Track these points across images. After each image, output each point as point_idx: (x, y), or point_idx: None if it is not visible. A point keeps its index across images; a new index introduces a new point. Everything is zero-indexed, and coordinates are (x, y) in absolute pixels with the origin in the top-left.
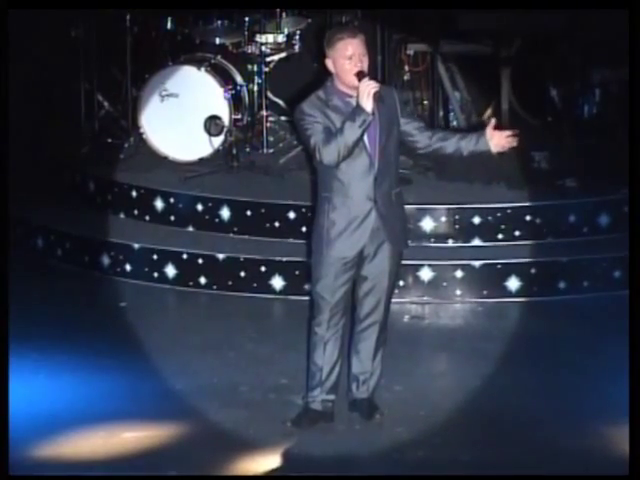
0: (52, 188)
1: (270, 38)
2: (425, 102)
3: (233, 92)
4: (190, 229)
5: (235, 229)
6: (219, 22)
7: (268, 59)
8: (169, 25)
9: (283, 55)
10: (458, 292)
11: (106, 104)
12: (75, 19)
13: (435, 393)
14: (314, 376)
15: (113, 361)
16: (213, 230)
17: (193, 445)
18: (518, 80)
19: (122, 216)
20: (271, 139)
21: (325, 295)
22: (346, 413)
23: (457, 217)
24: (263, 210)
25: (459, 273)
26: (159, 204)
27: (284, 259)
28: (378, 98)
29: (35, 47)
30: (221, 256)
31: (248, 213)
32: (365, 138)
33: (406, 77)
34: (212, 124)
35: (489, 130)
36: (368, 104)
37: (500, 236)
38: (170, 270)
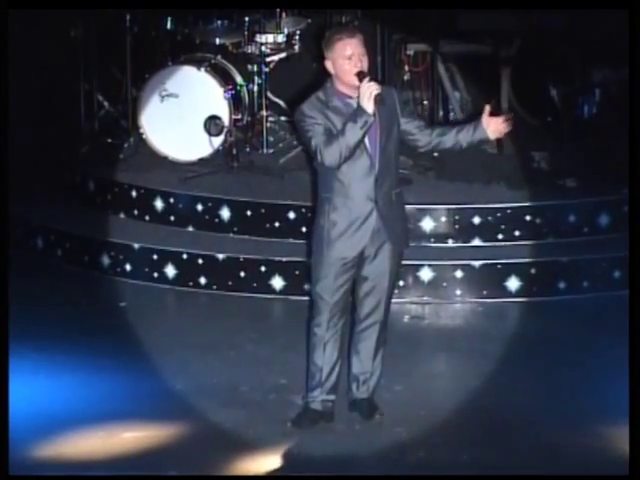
0: (52, 188)
1: (270, 38)
2: (425, 102)
3: (233, 92)
4: (190, 229)
5: (235, 229)
6: (219, 22)
7: (268, 59)
8: (169, 25)
9: (283, 55)
10: (458, 292)
11: (106, 104)
12: (75, 19)
13: (435, 393)
14: (314, 376)
15: (113, 361)
16: (213, 230)
17: (193, 445)
18: (518, 80)
19: (122, 216)
20: (271, 139)
21: (324, 295)
22: (346, 413)
23: (457, 217)
24: (263, 210)
25: (459, 273)
26: (159, 204)
27: (284, 259)
28: (379, 101)
29: (35, 47)
30: (221, 256)
31: (248, 213)
32: (366, 139)
33: (406, 77)
34: (212, 124)
35: (485, 117)
36: (369, 105)
37: (500, 236)
38: (170, 270)
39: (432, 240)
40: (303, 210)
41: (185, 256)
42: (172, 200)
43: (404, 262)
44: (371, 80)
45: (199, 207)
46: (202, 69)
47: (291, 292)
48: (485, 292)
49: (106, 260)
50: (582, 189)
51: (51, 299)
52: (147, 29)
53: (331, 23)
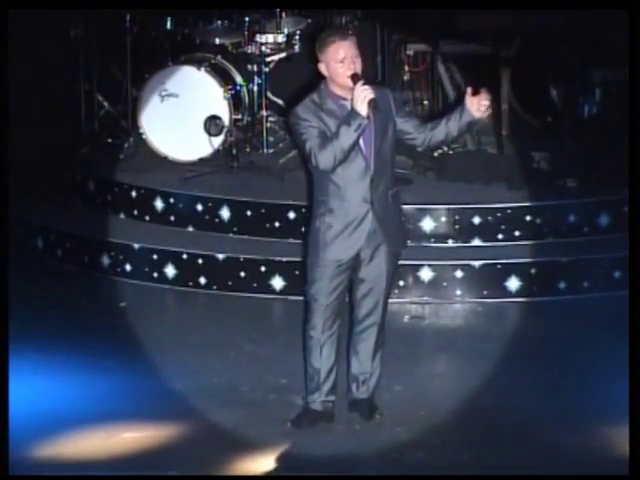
0: (52, 188)
1: (270, 38)
2: (425, 102)
3: (233, 92)
4: (190, 229)
5: (235, 229)
6: (219, 22)
7: (268, 59)
8: (169, 25)
9: (283, 55)
10: (458, 292)
11: (106, 104)
12: (75, 19)
13: (435, 393)
14: (312, 379)
15: (113, 361)
16: (213, 230)
17: (193, 445)
18: (518, 80)
19: (122, 216)
20: (271, 139)
21: (319, 298)
22: (346, 413)
23: (457, 217)
24: (263, 210)
25: (459, 273)
26: (159, 204)
27: (284, 259)
28: (373, 106)
29: (35, 47)
30: (221, 256)
31: (248, 213)
32: (360, 141)
33: (406, 77)
34: (212, 124)
35: (468, 99)
36: (363, 108)
37: (500, 236)
38: (170, 270)
39: (432, 240)
40: (303, 210)
41: (185, 256)
42: (172, 200)
43: (404, 262)
44: (365, 83)
45: (199, 207)
46: (202, 69)
47: (291, 292)
48: (485, 292)
49: (106, 260)
50: (582, 189)
51: (51, 299)
52: (147, 29)
53: (331, 23)
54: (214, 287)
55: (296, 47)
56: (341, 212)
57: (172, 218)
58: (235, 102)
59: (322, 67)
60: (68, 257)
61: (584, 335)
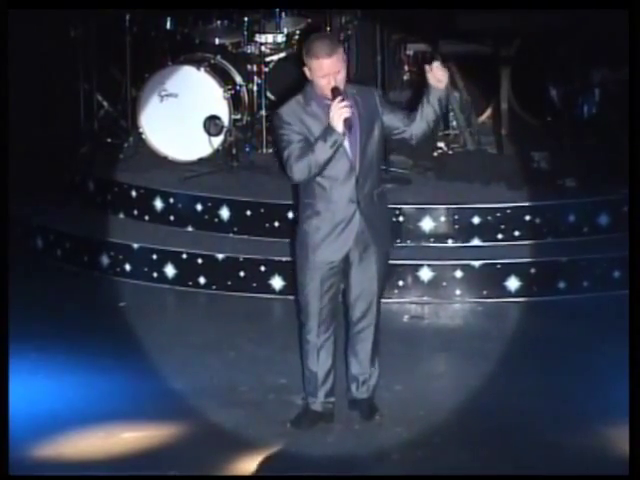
0: (52, 188)
1: (270, 38)
2: None
3: (233, 92)
4: (190, 229)
5: (235, 229)
6: (219, 22)
7: (268, 59)
8: (169, 25)
9: (282, 55)
10: (458, 292)
11: (105, 104)
12: (74, 19)
13: (435, 393)
14: (310, 382)
15: (113, 361)
16: (213, 230)
17: (192, 445)
18: (518, 80)
19: (122, 216)
20: (271, 139)
21: (312, 301)
22: (345, 413)
23: (457, 217)
24: (263, 210)
25: (459, 273)
26: (159, 204)
27: (284, 259)
28: (348, 126)
29: (35, 47)
30: (220, 256)
31: (248, 213)
32: (346, 142)
33: (406, 77)
34: (212, 124)
35: (428, 75)
36: (339, 125)
37: (500, 236)
38: (169, 270)
39: (432, 240)
40: None
41: (185, 256)
42: (172, 200)
43: (404, 262)
44: (343, 99)
45: (199, 207)
46: (202, 69)
47: (291, 292)
48: (485, 292)
49: (106, 260)
50: (582, 189)
51: (51, 299)
52: (147, 29)
53: (331, 23)
54: (214, 287)
55: (295, 47)
56: (328, 214)
57: (172, 218)
58: (235, 102)
59: (306, 71)
60: (68, 257)
61: (584, 335)
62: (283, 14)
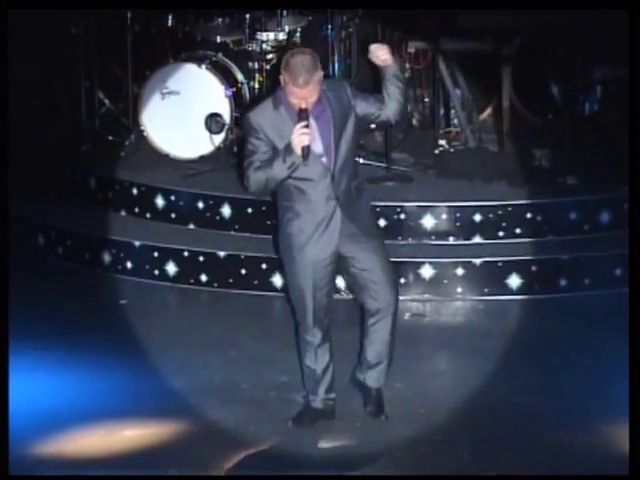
0: (53, 186)
1: (271, 36)
2: (426, 100)
3: (234, 90)
4: (191, 227)
5: (236, 226)
6: (220, 20)
7: (269, 57)
8: (170, 23)
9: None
10: (459, 290)
11: (107, 102)
12: (75, 17)
13: (436, 391)
14: (309, 379)
15: (114, 359)
16: (214, 228)
17: (193, 443)
18: (519, 78)
19: (123, 214)
20: None
21: (307, 300)
22: (347, 411)
23: (458, 215)
24: (264, 208)
25: (460, 271)
26: (160, 202)
27: None
28: (305, 154)
29: (35, 45)
30: (222, 254)
31: (249, 210)
32: (319, 141)
33: (407, 74)
34: (213, 122)
35: (371, 58)
36: (297, 150)
37: (501, 234)
38: (171, 268)
39: (433, 237)
40: None
41: (186, 254)
42: (173, 198)
43: (405, 260)
44: (307, 125)
45: (200, 205)
46: (203, 67)
47: None
48: (486, 290)
49: (107, 258)
50: (583, 187)
51: (52, 297)
52: (148, 26)
53: (332, 21)
54: (215, 285)
55: (297, 45)
56: (308, 214)
57: (173, 215)
58: (236, 100)
59: (281, 79)
60: (69, 255)
61: (584, 333)
62: (284, 12)
